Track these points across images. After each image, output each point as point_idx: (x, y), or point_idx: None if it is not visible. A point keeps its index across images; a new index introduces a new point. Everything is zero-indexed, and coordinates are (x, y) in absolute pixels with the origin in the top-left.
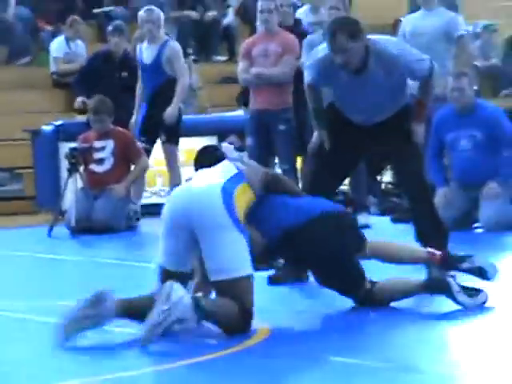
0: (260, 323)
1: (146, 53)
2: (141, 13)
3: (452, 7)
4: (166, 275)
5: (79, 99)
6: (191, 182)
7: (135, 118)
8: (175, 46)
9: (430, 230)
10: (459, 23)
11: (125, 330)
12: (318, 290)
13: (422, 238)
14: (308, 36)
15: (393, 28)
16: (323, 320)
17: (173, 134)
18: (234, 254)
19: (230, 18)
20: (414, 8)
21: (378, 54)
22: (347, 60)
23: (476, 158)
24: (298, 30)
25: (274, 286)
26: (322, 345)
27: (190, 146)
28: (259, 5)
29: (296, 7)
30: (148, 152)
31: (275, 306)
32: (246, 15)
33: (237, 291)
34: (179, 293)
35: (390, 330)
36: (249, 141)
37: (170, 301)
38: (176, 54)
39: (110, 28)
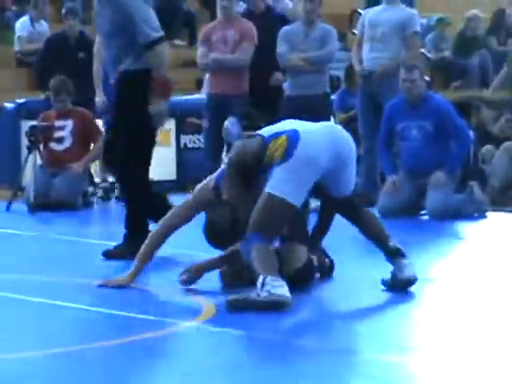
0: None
1: None
2: None
3: (408, 1)
4: None
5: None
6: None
7: (101, 97)
8: None
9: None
10: (415, 20)
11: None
12: None
13: None
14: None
15: (349, 19)
16: None
17: None
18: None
19: (189, 3)
20: (371, 1)
21: None
22: None
23: (424, 147)
24: (272, 15)
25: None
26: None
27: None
28: None
29: None
30: None
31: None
32: (207, 1)
33: None
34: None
35: (340, 314)
36: (205, 123)
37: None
38: None
39: (63, 11)
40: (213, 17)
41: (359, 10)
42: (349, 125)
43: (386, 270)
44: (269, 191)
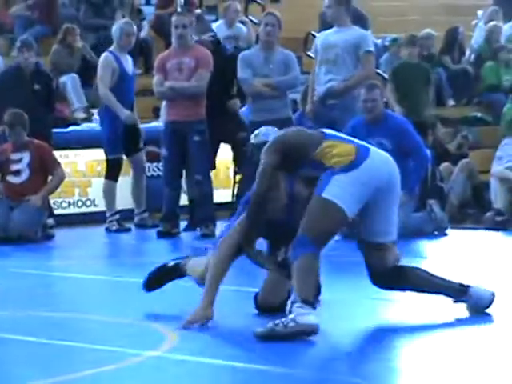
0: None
1: (126, 63)
2: (122, 25)
3: (363, 24)
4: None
5: None
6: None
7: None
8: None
9: None
10: (367, 39)
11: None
12: (227, 295)
13: None
14: (244, 51)
15: (304, 41)
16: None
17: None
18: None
19: (145, 31)
20: (324, 23)
21: None
22: None
23: None
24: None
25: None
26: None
27: (96, 157)
28: (174, 20)
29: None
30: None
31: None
32: (161, 29)
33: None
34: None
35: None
36: (164, 152)
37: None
38: None
39: (18, 43)
40: (168, 44)
41: (314, 33)
42: None
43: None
44: (326, 197)
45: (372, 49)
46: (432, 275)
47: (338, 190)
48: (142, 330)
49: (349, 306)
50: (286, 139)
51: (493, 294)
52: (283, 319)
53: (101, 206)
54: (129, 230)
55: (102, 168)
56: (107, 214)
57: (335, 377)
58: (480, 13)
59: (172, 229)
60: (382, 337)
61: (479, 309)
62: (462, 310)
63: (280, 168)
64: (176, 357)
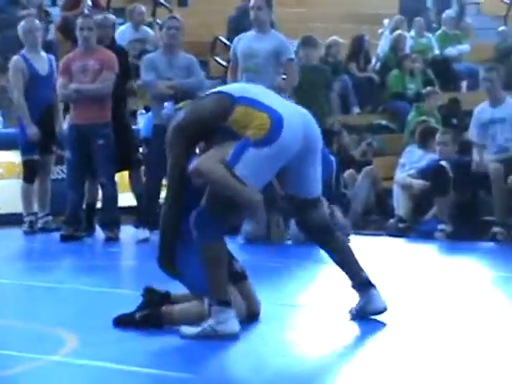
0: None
1: (38, 63)
2: (23, 24)
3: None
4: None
5: None
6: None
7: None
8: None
9: None
10: (289, 47)
11: None
12: (127, 299)
13: None
14: (148, 54)
15: (211, 46)
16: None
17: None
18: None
19: (51, 33)
20: (232, 28)
21: None
22: None
23: None
24: (115, 46)
25: None
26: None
27: (9, 159)
28: (79, 22)
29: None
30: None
31: (84, 315)
32: (68, 31)
33: None
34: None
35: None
36: (68, 154)
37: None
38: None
39: None
40: (74, 46)
41: (222, 38)
42: None
43: None
44: (237, 174)
45: (293, 56)
46: (353, 254)
47: (250, 170)
48: (42, 334)
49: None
50: (186, 124)
51: (385, 309)
52: (203, 325)
53: (9, 207)
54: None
55: (12, 171)
56: (24, 217)
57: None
58: (386, 21)
59: (75, 232)
60: (284, 341)
61: (362, 312)
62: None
63: (193, 147)
64: (75, 361)
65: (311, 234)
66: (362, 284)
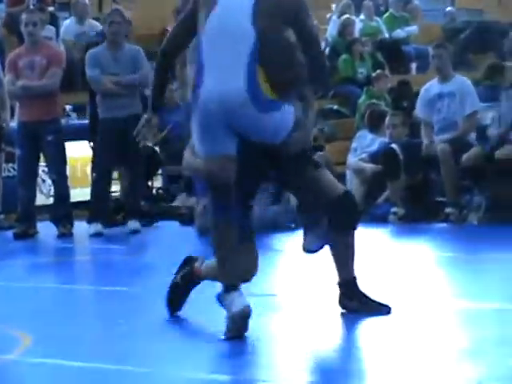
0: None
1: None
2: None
3: None
4: None
5: None
6: None
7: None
8: None
9: None
10: None
11: None
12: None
13: None
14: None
15: (160, 38)
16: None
17: None
18: None
19: None
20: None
21: None
22: None
23: None
24: None
25: None
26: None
27: None
28: (23, 17)
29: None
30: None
31: (38, 313)
32: (13, 27)
33: None
34: None
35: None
36: (18, 152)
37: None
38: None
39: None
40: (21, 43)
41: (169, 29)
42: (163, 146)
43: None
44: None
45: None
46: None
47: (198, 145)
48: None
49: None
50: None
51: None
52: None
53: None
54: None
55: None
56: None
57: (194, 375)
58: (333, 6)
59: (28, 229)
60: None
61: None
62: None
63: None
64: (31, 360)
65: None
66: None
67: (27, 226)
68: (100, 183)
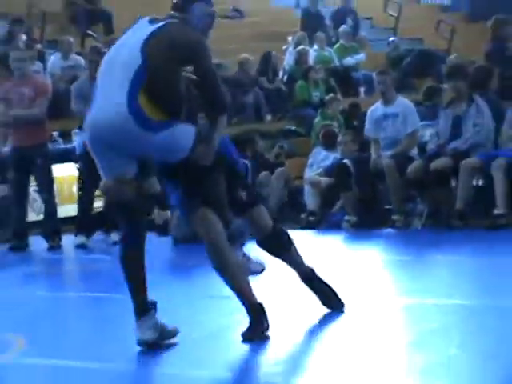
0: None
1: None
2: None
3: None
4: None
5: None
6: None
7: None
8: None
9: None
10: None
11: None
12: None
13: None
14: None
15: None
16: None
17: None
18: None
19: None
20: None
21: None
22: None
23: None
24: None
25: None
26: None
27: None
28: (12, 55)
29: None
30: None
31: (31, 318)
32: (4, 59)
33: None
34: None
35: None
36: (11, 175)
37: None
38: None
39: None
40: (10, 75)
41: None
42: None
43: None
44: None
45: None
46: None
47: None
48: None
49: (188, 304)
50: None
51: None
52: None
53: None
54: None
55: None
56: None
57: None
58: (290, 38)
59: (21, 243)
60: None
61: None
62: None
63: None
64: (25, 360)
65: None
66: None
67: (21, 239)
68: (84, 201)
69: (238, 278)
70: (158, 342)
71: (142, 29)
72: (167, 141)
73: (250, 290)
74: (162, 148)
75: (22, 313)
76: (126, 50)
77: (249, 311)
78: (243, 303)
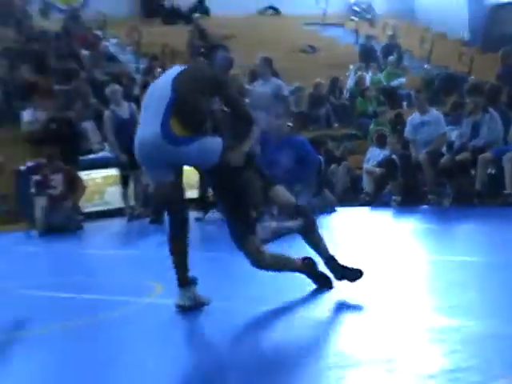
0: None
1: (122, 108)
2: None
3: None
4: None
5: None
6: None
7: None
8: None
9: None
10: (283, 87)
11: None
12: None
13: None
14: None
15: None
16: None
17: None
18: None
19: None
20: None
21: None
22: None
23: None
24: None
25: None
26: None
27: (108, 173)
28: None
29: None
30: None
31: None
32: (144, 87)
33: None
34: None
35: None
36: None
37: None
38: None
39: None
40: None
41: None
42: None
43: None
44: None
45: (287, 93)
46: None
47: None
48: (134, 284)
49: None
50: None
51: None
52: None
53: (115, 204)
54: None
55: (113, 180)
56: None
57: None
58: (351, 67)
59: (158, 218)
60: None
61: None
62: None
63: None
64: (163, 301)
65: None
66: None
67: (158, 216)
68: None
69: (287, 268)
70: (191, 308)
71: (173, 70)
72: (200, 149)
73: (295, 263)
74: (196, 155)
75: (161, 266)
76: (160, 86)
77: (310, 273)
78: (304, 274)
